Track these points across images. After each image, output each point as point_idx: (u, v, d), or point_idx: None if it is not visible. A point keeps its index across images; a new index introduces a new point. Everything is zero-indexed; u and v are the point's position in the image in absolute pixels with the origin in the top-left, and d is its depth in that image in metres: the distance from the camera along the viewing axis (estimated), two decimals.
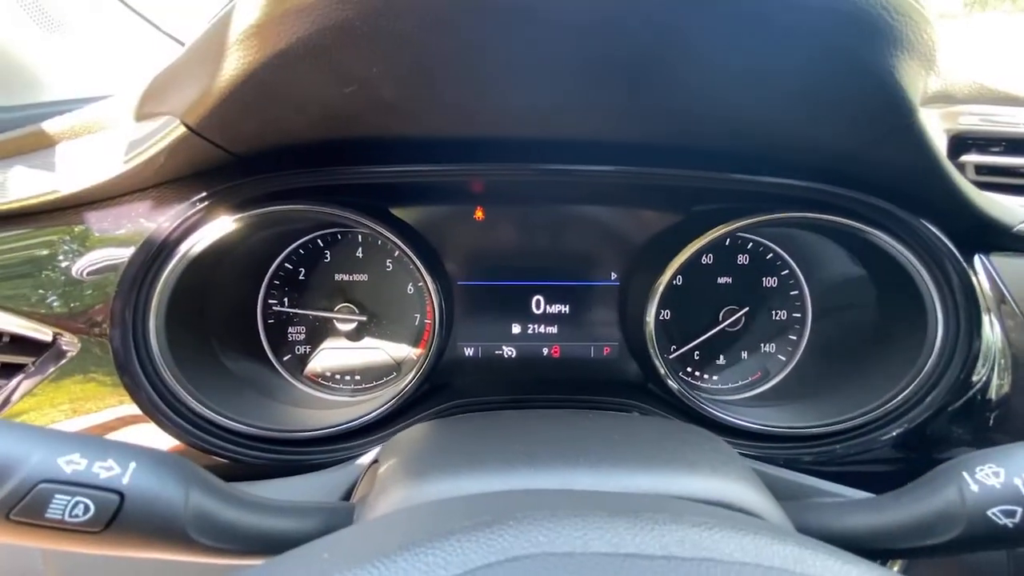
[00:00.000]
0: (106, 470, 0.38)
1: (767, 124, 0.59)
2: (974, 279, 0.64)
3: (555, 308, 0.85)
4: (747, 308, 0.83)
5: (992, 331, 0.65)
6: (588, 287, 0.85)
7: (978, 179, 0.74)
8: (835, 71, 0.47)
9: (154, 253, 0.59)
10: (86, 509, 0.37)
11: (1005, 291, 0.65)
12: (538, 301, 0.85)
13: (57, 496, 0.36)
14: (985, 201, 0.63)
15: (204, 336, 0.72)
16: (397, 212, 0.78)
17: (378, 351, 0.83)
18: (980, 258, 0.66)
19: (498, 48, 0.46)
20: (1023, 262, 0.66)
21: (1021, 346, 0.64)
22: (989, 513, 0.42)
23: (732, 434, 0.71)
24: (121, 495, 0.38)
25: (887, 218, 0.65)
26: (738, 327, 0.83)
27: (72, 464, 0.37)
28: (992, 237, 0.66)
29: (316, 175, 0.66)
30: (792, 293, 0.84)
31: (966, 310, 0.64)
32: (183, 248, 0.60)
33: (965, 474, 0.44)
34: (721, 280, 0.84)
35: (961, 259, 0.64)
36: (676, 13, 0.41)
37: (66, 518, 0.36)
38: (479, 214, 0.82)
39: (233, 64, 0.44)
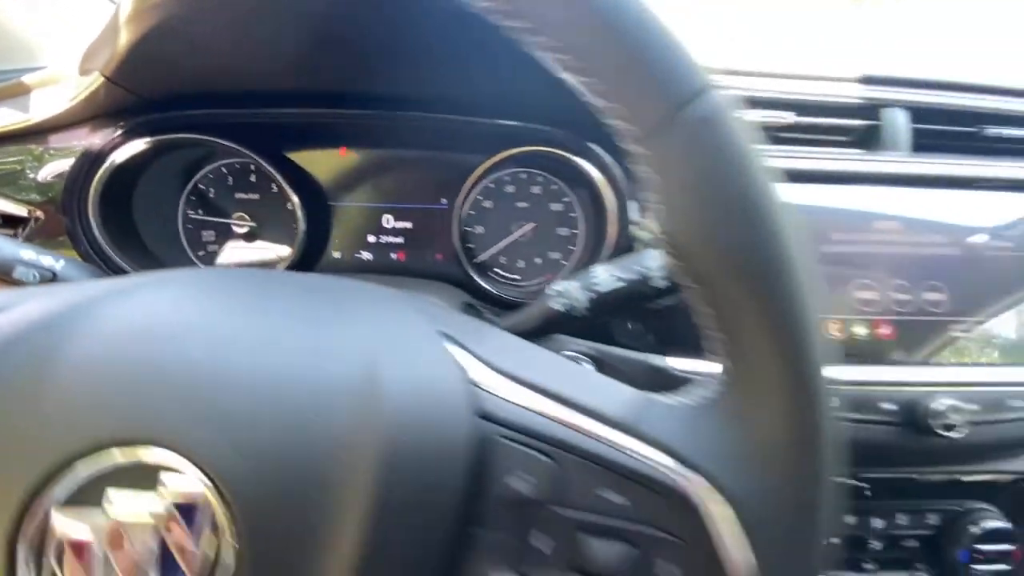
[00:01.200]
0: (48, 260, 0.70)
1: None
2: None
3: (401, 224, 1.16)
4: (533, 224, 1.14)
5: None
6: (425, 209, 1.15)
7: None
8: None
9: (90, 161, 0.91)
10: (35, 278, 0.69)
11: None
12: (388, 219, 1.16)
13: (19, 267, 0.68)
14: None
15: (135, 231, 1.04)
16: (288, 153, 1.09)
17: (266, 251, 1.15)
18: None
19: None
20: None
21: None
22: (551, 304, 0.73)
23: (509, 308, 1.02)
24: (54, 273, 0.70)
25: (579, 146, 0.96)
26: (526, 238, 1.14)
27: (27, 253, 0.69)
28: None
29: (209, 115, 0.97)
30: (571, 215, 1.15)
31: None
32: (110, 159, 0.92)
33: (547, 289, 0.75)
34: (520, 204, 1.15)
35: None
36: None
37: (26, 280, 0.68)
38: (343, 152, 1.13)
39: (124, 37, 0.75)
